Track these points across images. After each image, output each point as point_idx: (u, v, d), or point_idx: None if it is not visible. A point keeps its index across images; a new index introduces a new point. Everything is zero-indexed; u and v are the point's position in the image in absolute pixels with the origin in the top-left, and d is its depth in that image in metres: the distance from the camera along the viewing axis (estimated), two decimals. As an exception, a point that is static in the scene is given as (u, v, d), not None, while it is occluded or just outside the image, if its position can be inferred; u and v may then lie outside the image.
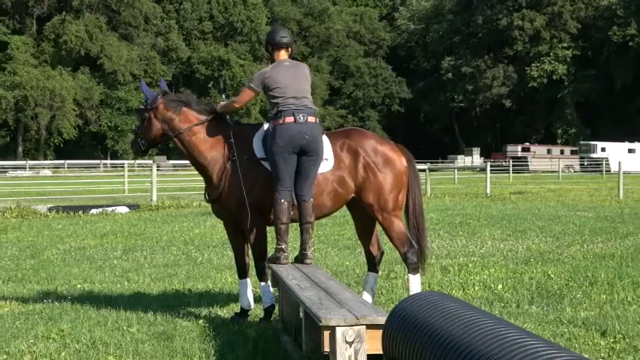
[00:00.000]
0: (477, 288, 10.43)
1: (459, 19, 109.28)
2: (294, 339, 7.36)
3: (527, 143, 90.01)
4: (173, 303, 9.88)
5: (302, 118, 8.42)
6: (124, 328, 8.18)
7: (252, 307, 8.97)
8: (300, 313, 7.23)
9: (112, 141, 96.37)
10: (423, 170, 40.76)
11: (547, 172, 70.23)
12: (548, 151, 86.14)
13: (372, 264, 9.31)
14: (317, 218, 9.09)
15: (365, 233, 9.38)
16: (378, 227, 9.28)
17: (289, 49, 8.87)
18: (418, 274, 8.91)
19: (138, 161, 79.73)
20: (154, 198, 29.43)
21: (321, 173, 8.64)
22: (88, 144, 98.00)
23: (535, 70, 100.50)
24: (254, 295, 9.20)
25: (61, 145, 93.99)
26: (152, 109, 8.97)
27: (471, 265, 12.41)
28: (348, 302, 6.23)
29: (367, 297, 8.89)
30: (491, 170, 40.96)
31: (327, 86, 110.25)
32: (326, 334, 5.67)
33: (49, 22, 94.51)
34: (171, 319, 8.75)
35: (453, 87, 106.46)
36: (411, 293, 8.33)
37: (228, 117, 9.13)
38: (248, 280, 9.02)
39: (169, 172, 67.40)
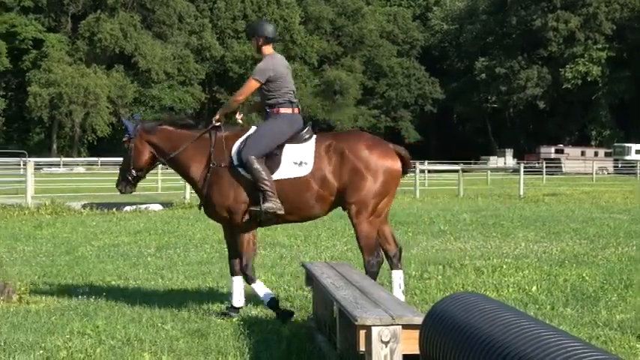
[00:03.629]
0: (511, 290, 10.37)
1: (493, 19, 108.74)
2: (329, 338, 7.35)
3: (561, 145, 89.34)
4: (207, 300, 9.90)
5: (299, 110, 9.22)
6: (159, 325, 8.21)
7: (242, 305, 9.12)
8: (335, 312, 7.22)
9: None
10: (456, 171, 40.63)
11: (581, 174, 69.71)
12: (582, 153, 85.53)
13: (392, 262, 9.25)
14: (306, 219, 9.57)
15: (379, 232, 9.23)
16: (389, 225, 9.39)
17: (274, 44, 9.69)
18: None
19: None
20: (187, 196, 29.49)
21: (297, 177, 8.82)
22: (122, 141, 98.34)
23: (569, 71, 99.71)
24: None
25: (95, 143, 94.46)
26: (136, 136, 9.46)
27: (504, 266, 12.34)
28: (384, 302, 6.22)
29: (399, 295, 8.86)
30: (524, 171, 40.74)
31: (360, 86, 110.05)
32: (362, 333, 5.67)
33: (83, 20, 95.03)
34: (206, 316, 8.78)
35: (487, 88, 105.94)
36: None
37: (219, 123, 9.35)
38: (241, 277, 9.18)
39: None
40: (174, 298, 10.01)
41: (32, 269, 13.11)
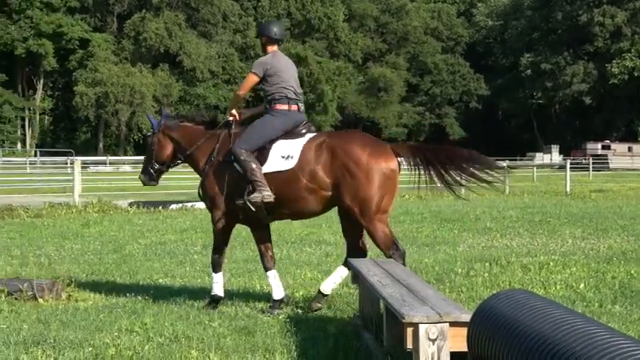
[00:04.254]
0: (558, 287, 10.30)
1: (538, 15, 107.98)
2: (375, 335, 7.35)
3: (608, 141, 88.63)
4: (253, 298, 9.93)
5: (302, 107, 9.38)
6: (206, 322, 8.24)
7: (282, 295, 9.35)
8: (381, 310, 7.21)
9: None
10: (502, 167, 40.34)
11: (628, 170, 69.09)
12: (629, 149, 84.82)
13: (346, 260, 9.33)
14: (300, 214, 9.58)
15: (349, 234, 9.57)
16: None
17: (280, 43, 9.89)
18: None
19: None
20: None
21: (284, 170, 9.01)
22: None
23: (616, 66, 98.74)
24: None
25: (141, 141, 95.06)
26: (159, 131, 9.90)
27: (552, 263, 12.25)
28: (431, 299, 6.20)
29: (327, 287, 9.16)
30: (570, 168, 40.41)
31: (405, 83, 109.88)
32: (409, 331, 5.65)
33: (129, 19, 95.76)
34: (252, 314, 8.81)
35: (532, 84, 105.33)
36: None
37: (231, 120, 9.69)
38: (274, 271, 9.50)
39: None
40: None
41: (80, 267, 13.22)
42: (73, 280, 10.84)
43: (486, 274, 11.28)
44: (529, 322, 4.26)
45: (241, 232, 18.31)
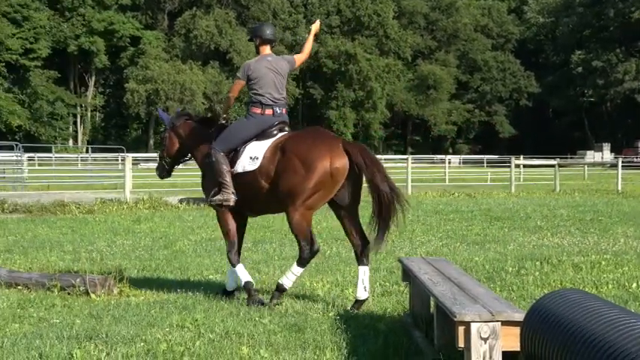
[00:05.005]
0: (610, 286, 10.19)
1: (590, 12, 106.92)
2: (426, 334, 7.32)
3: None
4: (303, 295, 9.95)
5: (278, 110, 9.60)
6: (257, 319, 8.26)
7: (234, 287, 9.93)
8: (432, 308, 7.19)
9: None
10: (552, 166, 40.08)
11: (681, 168, 68.16)
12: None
13: (357, 257, 9.54)
14: (264, 213, 10.31)
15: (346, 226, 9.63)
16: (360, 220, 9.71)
17: (273, 45, 10.09)
18: (302, 269, 9.36)
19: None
20: (282, 191, 29.64)
21: (249, 171, 9.40)
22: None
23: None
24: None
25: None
26: (169, 128, 10.48)
27: (603, 262, 12.13)
28: (482, 298, 6.18)
29: (362, 293, 9.15)
30: (622, 166, 40.01)
31: (454, 80, 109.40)
32: (460, 329, 5.63)
33: (180, 17, 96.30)
34: (302, 311, 8.81)
35: (583, 81, 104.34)
36: (281, 281, 9.33)
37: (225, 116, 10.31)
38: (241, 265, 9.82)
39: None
40: (271, 292, 10.07)
41: (132, 263, 13.33)
42: (125, 275, 10.93)
43: (537, 273, 11.20)
44: (583, 323, 4.23)
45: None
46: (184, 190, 31.37)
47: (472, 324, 5.53)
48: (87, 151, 76.31)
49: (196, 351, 6.99)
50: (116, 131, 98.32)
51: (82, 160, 62.20)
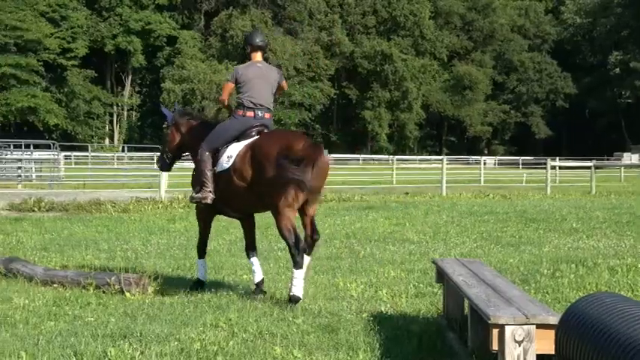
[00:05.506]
0: (646, 290, 10.11)
1: (628, 12, 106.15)
2: (459, 336, 7.30)
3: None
4: (336, 296, 9.94)
5: (260, 113, 10.03)
6: (290, 319, 8.26)
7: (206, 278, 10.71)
8: (466, 310, 7.16)
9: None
10: (588, 167, 39.82)
11: None
12: None
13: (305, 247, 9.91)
14: (246, 212, 10.55)
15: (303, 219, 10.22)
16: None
17: (264, 51, 10.66)
18: (302, 271, 9.46)
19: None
20: (316, 191, 29.63)
21: (225, 169, 9.85)
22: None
23: None
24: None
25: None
26: (172, 125, 11.01)
27: (640, 265, 12.04)
28: (517, 300, 6.14)
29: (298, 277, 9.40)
30: (660, 168, 39.68)
31: (490, 81, 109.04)
32: (494, 332, 5.61)
33: (216, 17, 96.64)
34: (336, 311, 8.78)
35: (621, 82, 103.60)
36: (293, 292, 9.28)
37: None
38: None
39: (331, 165, 67.67)
40: (304, 293, 10.08)
41: (166, 262, 13.39)
42: (160, 274, 10.98)
43: (572, 276, 11.11)
44: (620, 327, 4.19)
45: (324, 229, 18.39)
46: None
47: (506, 327, 5.50)
48: (123, 150, 76.76)
49: (230, 350, 7.00)
50: (152, 130, 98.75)
51: (117, 159, 62.58)
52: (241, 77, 10.08)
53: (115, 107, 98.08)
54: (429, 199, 29.37)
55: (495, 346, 5.63)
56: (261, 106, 10.06)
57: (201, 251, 10.82)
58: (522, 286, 10.06)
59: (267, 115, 10.10)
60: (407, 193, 32.41)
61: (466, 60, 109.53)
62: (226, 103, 10.68)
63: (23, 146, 43.85)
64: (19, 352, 6.92)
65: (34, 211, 23.86)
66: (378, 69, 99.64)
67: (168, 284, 10.70)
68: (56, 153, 42.25)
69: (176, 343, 7.21)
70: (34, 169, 39.20)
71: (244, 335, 7.56)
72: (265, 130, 10.04)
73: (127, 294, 9.84)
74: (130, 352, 6.89)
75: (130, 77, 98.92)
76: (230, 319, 8.18)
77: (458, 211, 23.16)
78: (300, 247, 9.54)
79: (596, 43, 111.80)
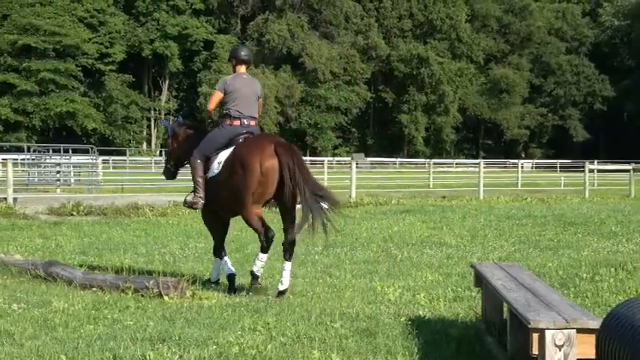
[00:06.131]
0: (688, 294, 10.01)
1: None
2: (498, 340, 7.25)
3: None
4: (374, 300, 9.93)
5: (246, 122, 10.79)
6: (328, 323, 8.25)
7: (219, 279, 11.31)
8: (505, 314, 7.12)
9: (312, 138, 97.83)
10: (627, 170, 39.48)
11: None
12: None
13: (283, 251, 10.67)
14: (236, 215, 10.94)
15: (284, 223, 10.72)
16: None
17: (248, 65, 11.31)
18: (265, 254, 10.52)
19: (337, 158, 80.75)
20: (353, 195, 29.70)
21: (215, 175, 10.55)
22: (289, 140, 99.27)
23: None
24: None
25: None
26: (171, 135, 11.78)
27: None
28: (557, 304, 6.10)
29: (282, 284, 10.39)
30: (700, 171, 39.29)
31: (527, 84, 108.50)
32: (534, 336, 5.57)
33: (252, 21, 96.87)
34: (374, 315, 8.77)
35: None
36: (253, 269, 10.51)
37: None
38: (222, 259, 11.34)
39: (367, 169, 67.83)
40: (342, 297, 10.08)
41: (204, 266, 13.43)
42: (198, 278, 11.01)
43: (612, 280, 11.04)
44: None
45: (361, 233, 18.38)
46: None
47: (547, 331, 5.47)
48: (160, 154, 77.10)
49: (268, 354, 7.01)
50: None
51: (155, 163, 62.83)
52: (229, 87, 10.83)
53: (152, 112, 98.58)
54: (466, 203, 29.27)
55: (535, 351, 5.60)
56: (247, 114, 10.81)
57: (218, 252, 11.40)
58: (561, 290, 10.01)
59: (252, 123, 10.88)
60: (444, 197, 32.29)
61: (503, 63, 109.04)
62: (212, 113, 11.62)
63: (62, 151, 44.06)
64: (59, 355, 6.97)
65: (72, 215, 24.03)
66: (415, 72, 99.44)
67: (206, 288, 10.73)
68: (94, 157, 42.50)
69: (214, 347, 7.22)
70: (72, 173, 39.44)
71: (282, 339, 7.57)
72: (250, 137, 10.68)
73: (166, 298, 9.88)
74: (169, 356, 6.92)
75: (167, 82, 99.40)
76: (268, 323, 8.19)
77: (495, 215, 23.06)
78: (269, 235, 10.38)
79: (633, 45, 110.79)
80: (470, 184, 39.91)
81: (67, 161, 41.30)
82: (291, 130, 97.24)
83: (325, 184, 36.72)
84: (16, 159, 39.75)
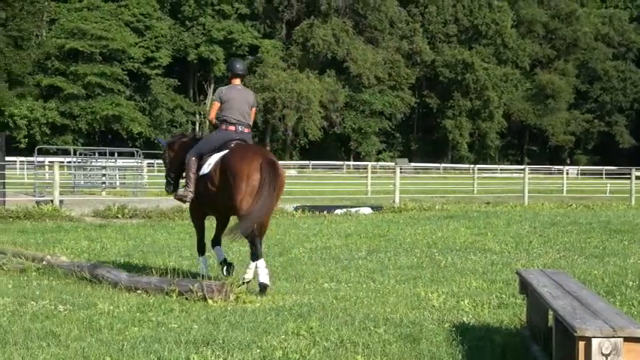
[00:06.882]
0: None
1: None
2: (544, 348, 7.19)
3: None
4: (418, 305, 9.88)
5: (240, 128, 11.63)
6: (371, 328, 8.23)
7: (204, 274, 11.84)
8: (550, 322, 7.07)
9: (356, 143, 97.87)
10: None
11: None
12: None
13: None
14: (227, 213, 11.72)
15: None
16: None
17: (243, 78, 12.33)
18: (262, 260, 10.89)
19: (380, 163, 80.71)
20: (397, 200, 29.63)
21: (205, 174, 11.25)
22: (332, 145, 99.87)
23: None
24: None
25: (306, 146, 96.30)
26: (167, 147, 12.56)
27: None
28: (603, 313, 6.04)
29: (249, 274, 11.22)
30: None
31: (573, 90, 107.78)
32: (581, 344, 5.52)
33: (297, 26, 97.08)
34: (417, 321, 8.73)
35: None
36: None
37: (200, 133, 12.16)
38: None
39: (411, 174, 67.69)
40: (385, 302, 10.05)
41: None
42: (241, 281, 11.04)
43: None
44: None
45: (405, 238, 18.34)
46: (299, 198, 31.58)
47: (593, 339, 5.42)
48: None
49: (311, 359, 7.00)
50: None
51: (199, 167, 63.04)
52: (224, 97, 11.71)
53: (197, 116, 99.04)
54: (511, 209, 29.11)
55: (581, 359, 5.54)
56: (241, 122, 11.65)
57: (201, 250, 12.43)
58: (607, 298, 9.91)
59: (246, 130, 11.73)
60: (488, 203, 32.13)
61: (549, 69, 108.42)
62: (214, 122, 11.96)
63: (107, 154, 44.42)
64: (104, 357, 7.03)
65: (117, 217, 24.21)
66: (459, 78, 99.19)
67: (250, 292, 10.74)
68: (139, 160, 42.78)
69: (258, 350, 7.23)
70: (117, 176, 39.77)
71: (326, 344, 7.56)
72: (243, 144, 11.47)
73: (210, 301, 9.90)
74: (213, 359, 6.94)
75: (212, 86, 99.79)
76: (311, 328, 8.19)
77: (540, 222, 22.91)
78: (256, 242, 10.80)
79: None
80: (514, 190, 39.70)
81: (112, 164, 41.62)
82: (335, 135, 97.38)
83: (369, 188, 36.76)
84: (63, 162, 40.13)
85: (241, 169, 10.66)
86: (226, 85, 12.25)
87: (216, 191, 11.05)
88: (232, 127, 11.61)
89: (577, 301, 6.57)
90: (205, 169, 11.26)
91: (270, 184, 10.56)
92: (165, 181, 12.89)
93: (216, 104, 11.80)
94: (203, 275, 11.69)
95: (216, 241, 12.22)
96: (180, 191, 11.82)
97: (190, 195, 11.50)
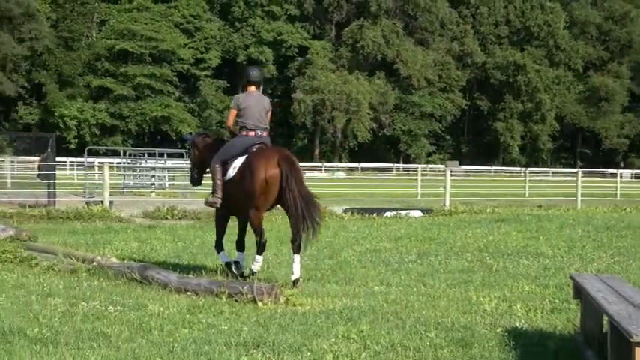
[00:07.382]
0: None
1: None
2: (598, 353, 7.08)
3: None
4: (469, 309, 9.78)
5: (259, 133, 12.17)
6: (422, 332, 8.15)
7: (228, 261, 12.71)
8: (605, 327, 6.95)
9: (405, 145, 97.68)
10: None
11: None
12: None
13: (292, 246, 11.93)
14: (242, 212, 12.20)
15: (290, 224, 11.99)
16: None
17: (259, 85, 12.81)
18: (261, 256, 12.05)
19: (430, 166, 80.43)
20: (447, 203, 29.47)
21: (231, 178, 11.81)
22: (382, 147, 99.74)
23: None
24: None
25: (356, 149, 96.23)
26: (192, 145, 13.10)
27: None
28: (660, 319, 5.92)
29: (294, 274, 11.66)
30: None
31: (627, 92, 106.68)
32: (637, 350, 5.43)
33: (347, 27, 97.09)
34: (469, 325, 8.64)
35: None
36: (252, 267, 12.06)
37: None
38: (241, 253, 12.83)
39: (461, 177, 67.37)
40: (436, 306, 9.96)
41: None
42: (291, 284, 11.00)
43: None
44: None
45: (456, 242, 18.21)
46: (349, 200, 31.52)
47: (650, 346, 5.31)
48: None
49: (362, 363, 6.95)
50: (282, 141, 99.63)
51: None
52: (242, 104, 12.17)
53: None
54: (563, 213, 28.81)
55: (638, 366, 5.44)
56: (259, 127, 12.16)
57: (219, 247, 12.93)
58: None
59: (264, 134, 12.27)
60: (540, 206, 31.85)
61: (602, 71, 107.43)
62: (232, 129, 12.47)
63: (157, 155, 44.64)
64: (155, 358, 7.04)
65: (167, 219, 24.32)
66: (511, 80, 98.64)
67: (300, 294, 10.70)
68: (188, 162, 42.97)
69: (308, 353, 7.20)
70: (167, 177, 39.94)
71: (376, 347, 7.50)
72: (264, 147, 11.96)
73: (259, 303, 9.88)
74: (263, 362, 6.92)
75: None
76: (362, 331, 8.13)
77: (594, 226, 22.63)
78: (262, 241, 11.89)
79: None
80: (567, 193, 39.32)
81: (161, 165, 41.81)
82: (384, 137, 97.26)
83: (419, 191, 36.60)
84: (112, 163, 40.38)
85: (259, 164, 11.33)
86: (242, 92, 12.69)
87: (240, 192, 11.58)
88: (252, 133, 12.11)
89: (632, 307, 6.46)
90: (231, 173, 11.83)
91: (289, 177, 11.28)
92: (190, 174, 13.55)
93: (234, 111, 12.30)
94: (239, 266, 12.54)
95: (241, 246, 12.80)
96: (210, 199, 12.25)
97: (219, 201, 12.05)
